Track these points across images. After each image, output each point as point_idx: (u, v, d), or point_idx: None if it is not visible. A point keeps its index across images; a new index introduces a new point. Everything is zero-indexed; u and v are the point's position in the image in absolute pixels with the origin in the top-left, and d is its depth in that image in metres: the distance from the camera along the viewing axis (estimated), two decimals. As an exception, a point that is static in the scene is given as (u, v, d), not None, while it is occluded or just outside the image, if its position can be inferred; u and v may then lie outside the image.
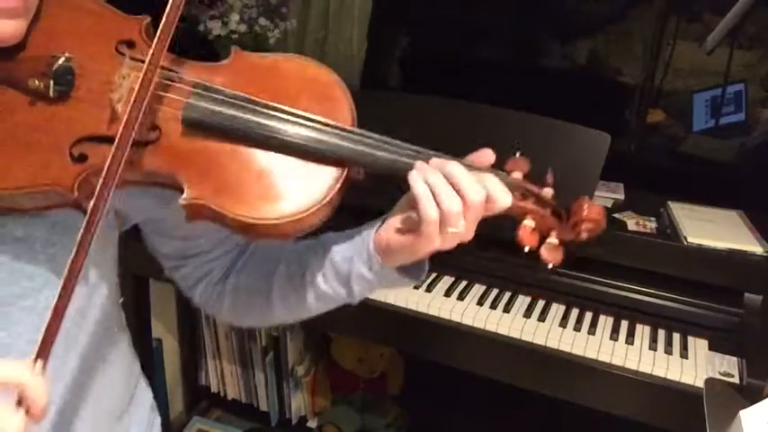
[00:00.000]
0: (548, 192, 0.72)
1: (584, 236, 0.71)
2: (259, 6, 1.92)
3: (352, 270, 0.75)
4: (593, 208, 0.70)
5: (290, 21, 2.00)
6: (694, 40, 1.91)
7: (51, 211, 0.66)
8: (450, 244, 0.68)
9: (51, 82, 0.63)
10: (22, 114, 0.63)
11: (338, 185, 0.66)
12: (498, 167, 0.71)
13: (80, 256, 0.58)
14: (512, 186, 0.69)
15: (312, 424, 2.28)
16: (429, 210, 0.65)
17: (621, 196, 1.75)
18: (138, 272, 1.82)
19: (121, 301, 0.88)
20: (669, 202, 1.68)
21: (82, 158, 0.63)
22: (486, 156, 0.70)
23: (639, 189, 1.78)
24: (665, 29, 1.93)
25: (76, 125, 0.64)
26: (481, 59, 2.21)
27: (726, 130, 1.93)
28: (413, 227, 0.69)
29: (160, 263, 0.87)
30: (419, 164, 0.67)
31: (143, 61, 0.66)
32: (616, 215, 1.64)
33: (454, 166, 0.66)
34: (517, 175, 0.71)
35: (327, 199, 0.65)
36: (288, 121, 0.66)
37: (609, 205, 1.70)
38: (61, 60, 0.64)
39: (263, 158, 0.66)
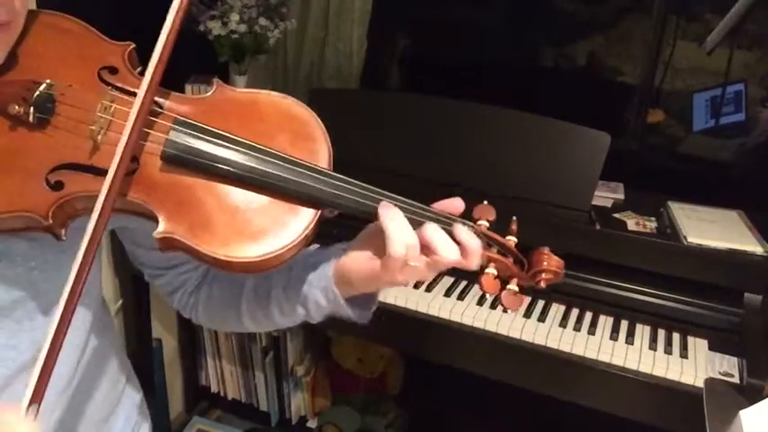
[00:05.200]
0: (511, 240, 0.74)
1: (542, 284, 0.73)
2: (259, 6, 1.91)
3: (310, 295, 0.76)
4: (553, 260, 0.73)
5: (290, 21, 2.00)
6: (694, 40, 1.91)
7: (39, 233, 0.65)
8: (408, 278, 0.69)
9: (31, 108, 0.62)
10: (1, 138, 0.63)
11: (311, 225, 0.66)
12: (466, 214, 0.72)
13: (71, 304, 0.58)
14: (477, 235, 0.70)
15: (312, 424, 2.28)
16: (397, 243, 0.65)
17: (621, 196, 1.75)
18: (138, 272, 1.82)
19: (121, 302, 0.88)
20: (669, 202, 1.68)
21: (58, 186, 0.63)
22: (455, 204, 0.71)
23: (639, 189, 1.78)
24: (665, 29, 1.93)
25: (55, 152, 0.63)
26: (481, 59, 2.21)
27: (726, 130, 1.93)
28: (375, 260, 0.69)
29: (141, 271, 0.89)
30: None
31: (125, 91, 0.66)
32: (616, 215, 1.64)
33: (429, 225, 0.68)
34: (483, 222, 0.73)
35: (300, 238, 0.66)
36: (265, 160, 0.66)
37: (609, 205, 1.70)
38: (42, 87, 0.63)
39: (239, 196, 0.66)
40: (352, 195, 0.67)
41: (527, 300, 1.58)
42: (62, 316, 0.57)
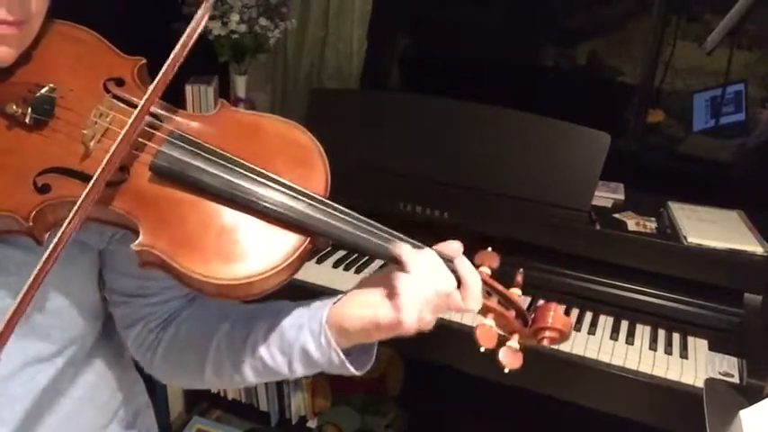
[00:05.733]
0: (515, 293, 0.69)
1: (545, 343, 0.67)
2: (259, 6, 1.91)
3: (298, 340, 0.71)
4: (559, 317, 0.67)
5: (290, 21, 2.00)
6: (694, 40, 1.92)
7: (21, 237, 0.64)
8: (407, 329, 0.65)
9: (29, 109, 0.62)
10: None
11: (298, 253, 0.64)
12: (468, 256, 0.68)
13: (28, 296, 0.56)
14: None
15: (312, 424, 2.27)
16: (409, 288, 0.62)
17: (621, 196, 1.75)
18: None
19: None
20: (669, 202, 1.68)
21: (45, 189, 0.62)
22: (452, 247, 0.67)
23: (639, 189, 1.78)
24: (665, 29, 1.93)
25: (46, 155, 0.63)
26: (481, 59, 2.21)
27: (726, 130, 1.93)
28: (378, 305, 0.66)
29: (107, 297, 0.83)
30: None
31: (126, 102, 0.66)
32: (616, 215, 1.64)
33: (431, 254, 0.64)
34: (485, 270, 0.68)
35: (285, 265, 0.63)
36: (257, 181, 0.64)
37: (609, 205, 1.70)
38: (44, 90, 0.64)
39: (226, 216, 0.64)
40: (344, 225, 0.65)
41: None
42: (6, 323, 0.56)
